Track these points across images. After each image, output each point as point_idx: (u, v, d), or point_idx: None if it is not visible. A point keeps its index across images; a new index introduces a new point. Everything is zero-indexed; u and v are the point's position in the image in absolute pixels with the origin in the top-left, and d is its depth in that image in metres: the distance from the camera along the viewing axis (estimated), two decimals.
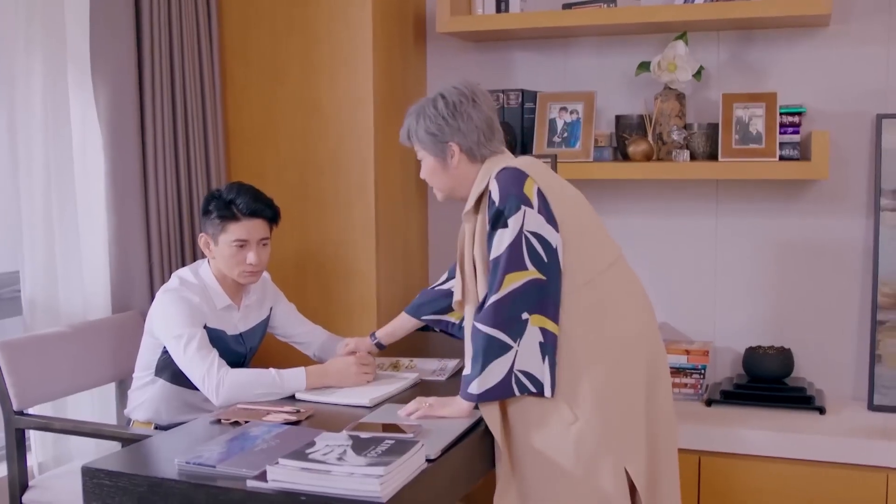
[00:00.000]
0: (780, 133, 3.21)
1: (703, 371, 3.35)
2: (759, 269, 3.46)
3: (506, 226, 2.22)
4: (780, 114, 3.22)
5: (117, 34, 3.06)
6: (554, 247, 2.22)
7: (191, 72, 3.35)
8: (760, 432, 3.06)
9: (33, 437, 2.99)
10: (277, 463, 1.87)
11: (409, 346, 3.02)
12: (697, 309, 3.54)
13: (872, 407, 3.24)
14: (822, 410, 3.19)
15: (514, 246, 2.20)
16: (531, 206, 2.22)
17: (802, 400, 3.23)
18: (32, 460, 2.97)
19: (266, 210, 2.74)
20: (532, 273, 2.20)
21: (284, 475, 1.85)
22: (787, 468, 3.02)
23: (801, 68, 3.35)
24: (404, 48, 3.63)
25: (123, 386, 3.20)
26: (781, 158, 3.21)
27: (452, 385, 2.68)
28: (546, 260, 2.21)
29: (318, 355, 2.97)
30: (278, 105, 3.51)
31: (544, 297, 2.20)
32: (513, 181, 2.25)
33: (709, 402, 3.29)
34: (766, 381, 3.31)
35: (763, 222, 3.44)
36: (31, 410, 2.80)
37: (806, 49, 3.35)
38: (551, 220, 2.24)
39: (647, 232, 3.54)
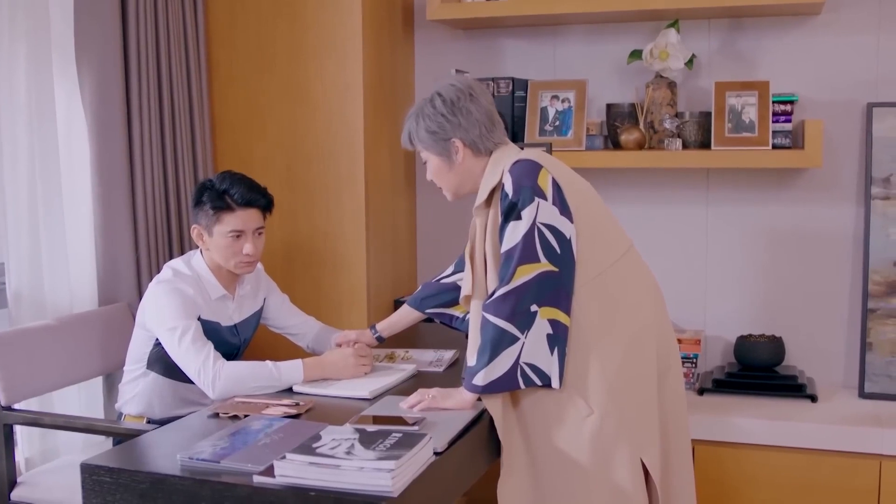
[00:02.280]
0: (773, 122, 3.21)
1: (694, 360, 3.36)
2: (750, 258, 3.47)
3: (519, 218, 2.20)
4: (773, 102, 3.21)
5: (102, 22, 2.99)
6: (568, 238, 2.21)
7: (177, 60, 3.29)
8: (753, 420, 3.07)
9: (19, 432, 2.92)
10: (284, 458, 1.84)
11: (404, 337, 2.98)
12: (688, 298, 3.53)
13: (863, 394, 3.26)
14: (813, 398, 3.20)
15: (528, 238, 2.18)
16: (545, 198, 2.21)
17: (794, 388, 3.24)
18: (19, 456, 2.90)
19: (261, 199, 2.70)
20: (544, 265, 2.18)
21: (292, 470, 1.82)
22: (781, 456, 3.03)
23: (792, 57, 3.35)
24: (393, 36, 3.59)
25: (110, 380, 3.15)
26: (773, 147, 3.21)
27: (450, 376, 2.66)
28: (559, 252, 2.19)
29: (312, 347, 2.93)
30: (266, 93, 3.45)
31: (556, 288, 2.19)
32: (527, 173, 2.23)
33: (701, 391, 3.30)
34: (758, 370, 3.31)
35: (753, 211, 3.44)
36: (16, 406, 2.74)
37: (796, 38, 3.34)
38: (566, 210, 2.22)
39: (637, 221, 3.52)
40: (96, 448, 2.95)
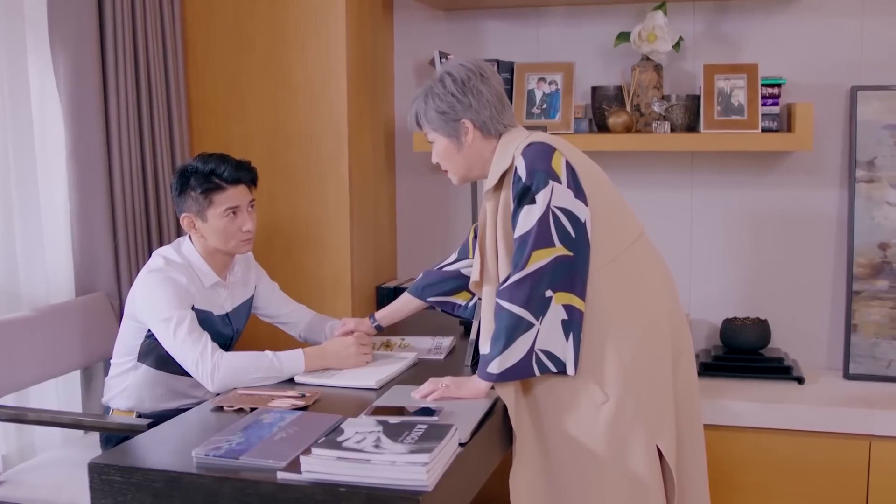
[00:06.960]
0: (760, 105, 3.20)
1: None
2: (735, 241, 3.47)
3: (533, 202, 2.14)
4: (760, 85, 3.21)
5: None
6: (583, 221, 2.16)
7: (153, 39, 3.16)
8: (741, 403, 3.07)
9: None
10: (310, 452, 1.77)
11: (397, 325, 2.90)
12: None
13: (848, 376, 3.29)
14: (800, 380, 3.22)
15: (542, 222, 2.13)
16: (559, 181, 2.16)
17: (781, 370, 3.26)
18: None
19: (247, 174, 2.63)
20: (559, 250, 2.13)
21: (319, 465, 1.75)
22: (770, 438, 3.04)
23: (777, 40, 3.35)
24: (374, 16, 3.51)
25: (89, 373, 3.04)
26: (762, 130, 3.20)
27: (451, 363, 2.61)
28: (574, 235, 2.15)
29: (305, 336, 2.85)
30: (245, 74, 3.35)
31: (571, 273, 2.14)
32: (540, 156, 2.18)
33: None
34: (744, 353, 3.32)
35: (738, 194, 3.44)
36: None
37: (781, 21, 3.34)
38: (580, 193, 2.18)
39: None
40: (77, 444, 2.84)
